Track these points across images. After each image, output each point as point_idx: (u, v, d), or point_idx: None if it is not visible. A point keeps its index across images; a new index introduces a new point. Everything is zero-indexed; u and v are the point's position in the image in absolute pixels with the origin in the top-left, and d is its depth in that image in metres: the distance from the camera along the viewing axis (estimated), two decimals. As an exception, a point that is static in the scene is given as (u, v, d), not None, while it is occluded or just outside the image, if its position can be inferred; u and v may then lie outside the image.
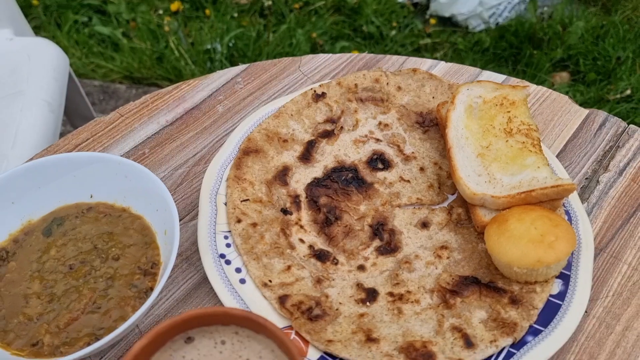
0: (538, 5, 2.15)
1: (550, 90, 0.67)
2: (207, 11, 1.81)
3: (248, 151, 0.54)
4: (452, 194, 0.55)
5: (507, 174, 0.50)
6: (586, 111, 0.65)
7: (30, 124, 0.88)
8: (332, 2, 2.17)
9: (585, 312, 0.49)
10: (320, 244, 0.51)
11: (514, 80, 0.67)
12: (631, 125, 0.64)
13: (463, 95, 0.56)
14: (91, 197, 0.52)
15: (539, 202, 0.49)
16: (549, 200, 0.49)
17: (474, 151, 0.52)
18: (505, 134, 0.53)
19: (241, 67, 0.68)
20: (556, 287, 0.47)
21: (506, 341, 0.43)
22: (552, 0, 2.20)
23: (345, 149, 0.57)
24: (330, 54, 0.70)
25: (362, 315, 0.45)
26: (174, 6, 1.76)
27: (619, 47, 1.97)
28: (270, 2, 1.98)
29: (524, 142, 0.52)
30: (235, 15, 2.03)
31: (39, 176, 0.50)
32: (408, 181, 0.55)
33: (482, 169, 0.51)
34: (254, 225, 0.49)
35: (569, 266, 0.48)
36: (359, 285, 0.48)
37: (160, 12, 1.88)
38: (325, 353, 0.43)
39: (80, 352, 0.40)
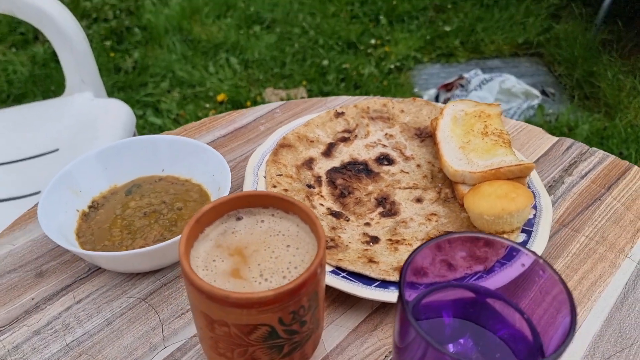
0: (545, 112, 2.37)
1: (527, 123, 0.83)
2: (248, 102, 2.07)
3: (283, 145, 0.70)
4: (442, 183, 0.69)
5: (482, 159, 0.65)
6: (556, 138, 0.80)
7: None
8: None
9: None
10: (336, 208, 0.65)
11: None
12: (593, 147, 0.78)
13: (449, 109, 0.72)
14: (162, 170, 0.68)
15: (506, 178, 0.63)
16: (515, 178, 0.63)
17: (456, 145, 0.67)
18: (482, 135, 0.68)
19: (279, 102, 0.86)
20: (520, 238, 0.59)
21: (478, 268, 0.55)
22: (559, 108, 2.42)
23: (358, 150, 0.73)
24: (351, 96, 0.88)
25: (366, 250, 0.58)
26: (220, 97, 2.03)
27: (623, 146, 2.14)
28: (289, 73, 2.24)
29: (496, 140, 0.67)
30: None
31: (126, 152, 0.67)
32: (407, 172, 0.70)
33: (462, 156, 0.66)
34: (286, 190, 0.64)
35: (531, 225, 0.61)
36: (365, 234, 0.61)
37: (207, 106, 2.15)
38: (337, 268, 0.55)
39: (146, 249, 0.53)
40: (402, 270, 0.37)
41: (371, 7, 3.02)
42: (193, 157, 0.67)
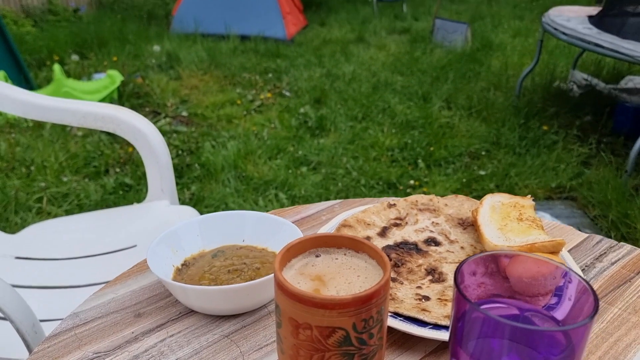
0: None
1: (558, 222, 0.93)
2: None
3: (344, 225, 0.82)
4: (484, 262, 0.78)
5: (518, 237, 0.75)
6: (586, 234, 0.90)
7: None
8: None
9: (585, 330, 0.67)
10: (390, 275, 0.74)
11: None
12: (622, 242, 0.87)
13: (488, 200, 0.84)
14: (243, 240, 0.80)
15: (540, 253, 0.72)
16: (548, 253, 0.73)
17: (495, 227, 0.78)
18: (518, 220, 0.79)
19: (339, 200, 1.00)
20: (554, 299, 0.67)
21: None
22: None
23: (409, 234, 0.84)
24: (400, 197, 1.02)
25: (418, 304, 0.67)
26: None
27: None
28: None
29: (530, 224, 0.78)
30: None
31: (219, 222, 0.80)
32: (452, 252, 0.80)
33: (501, 235, 0.76)
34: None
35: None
36: (417, 294, 0.70)
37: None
38: (394, 313, 0.64)
39: (233, 285, 0.64)
40: (459, 267, 0.46)
41: (410, 153, 3.27)
42: (271, 230, 0.79)
